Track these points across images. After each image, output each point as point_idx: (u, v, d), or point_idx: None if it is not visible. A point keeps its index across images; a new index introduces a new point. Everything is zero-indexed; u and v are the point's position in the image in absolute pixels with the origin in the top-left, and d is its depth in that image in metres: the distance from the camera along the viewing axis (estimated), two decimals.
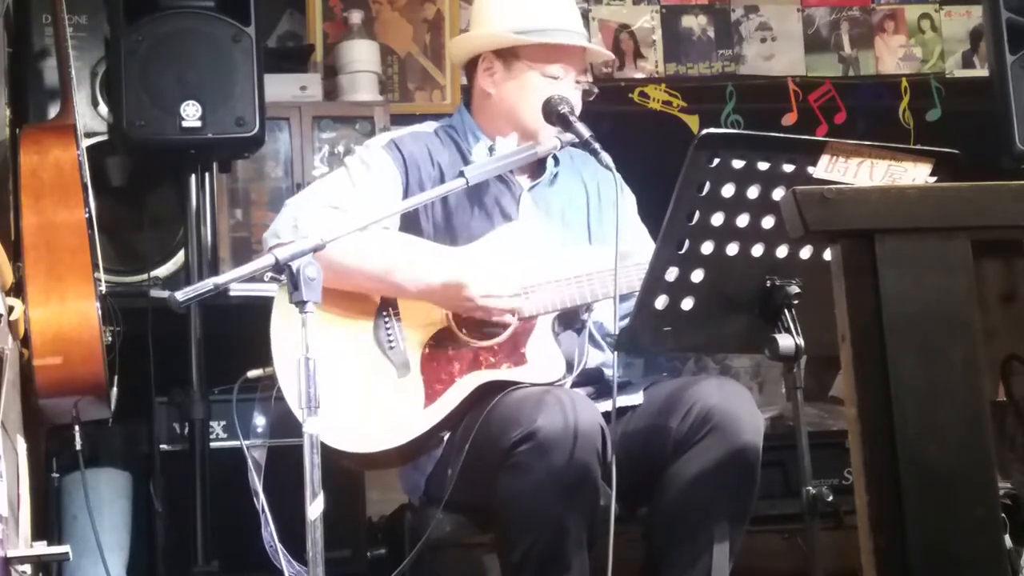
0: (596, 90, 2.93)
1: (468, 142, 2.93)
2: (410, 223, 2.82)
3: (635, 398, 2.75)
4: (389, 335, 2.74)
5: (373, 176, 2.82)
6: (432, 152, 2.89)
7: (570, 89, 2.87)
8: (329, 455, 2.53)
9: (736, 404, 2.62)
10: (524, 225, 2.85)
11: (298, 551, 2.38)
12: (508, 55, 2.90)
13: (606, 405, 2.57)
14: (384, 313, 2.76)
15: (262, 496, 2.59)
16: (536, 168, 2.95)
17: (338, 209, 2.73)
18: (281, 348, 2.66)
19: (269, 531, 2.57)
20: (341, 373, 2.67)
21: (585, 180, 2.99)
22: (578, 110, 2.86)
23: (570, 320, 2.81)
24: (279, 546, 2.54)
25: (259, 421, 2.78)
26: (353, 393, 2.68)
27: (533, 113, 2.85)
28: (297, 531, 2.24)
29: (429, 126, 3.00)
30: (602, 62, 3.30)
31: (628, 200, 3.03)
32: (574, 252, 2.83)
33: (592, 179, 2.98)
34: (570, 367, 2.74)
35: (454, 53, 3.14)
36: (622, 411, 2.70)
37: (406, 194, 2.83)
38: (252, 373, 2.75)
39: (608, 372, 2.81)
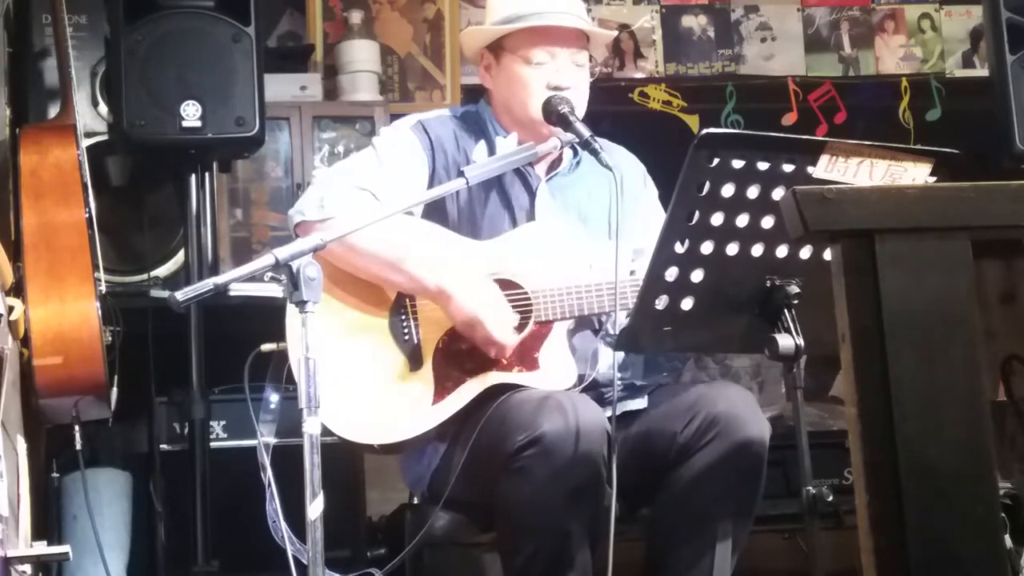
0: (598, 68, 2.89)
1: (491, 133, 2.88)
2: (436, 207, 2.78)
3: (639, 403, 2.74)
4: (404, 327, 2.73)
5: (400, 158, 2.79)
6: (458, 137, 2.86)
7: (566, 70, 2.81)
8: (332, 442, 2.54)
9: (741, 407, 2.62)
10: (544, 225, 2.82)
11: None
12: (497, 48, 2.87)
13: (611, 410, 2.56)
14: (402, 305, 2.75)
15: (269, 471, 2.59)
16: (557, 157, 2.89)
17: (365, 190, 2.70)
18: (295, 335, 2.63)
19: (273, 507, 2.56)
20: (353, 360, 2.67)
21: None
22: (582, 87, 2.82)
23: (587, 321, 2.80)
24: (282, 522, 2.52)
25: (271, 398, 2.77)
26: (362, 382, 2.68)
27: (521, 105, 2.83)
28: (300, 529, 2.25)
29: (454, 110, 2.96)
30: (603, 61, 3.27)
31: (651, 192, 2.99)
32: (595, 254, 2.76)
33: (618, 171, 2.80)
34: (582, 375, 2.72)
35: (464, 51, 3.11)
36: (627, 415, 2.70)
37: (432, 177, 2.80)
38: (266, 347, 2.74)
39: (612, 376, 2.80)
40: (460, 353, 2.71)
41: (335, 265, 2.68)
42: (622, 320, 2.65)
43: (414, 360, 2.71)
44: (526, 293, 2.72)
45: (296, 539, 2.49)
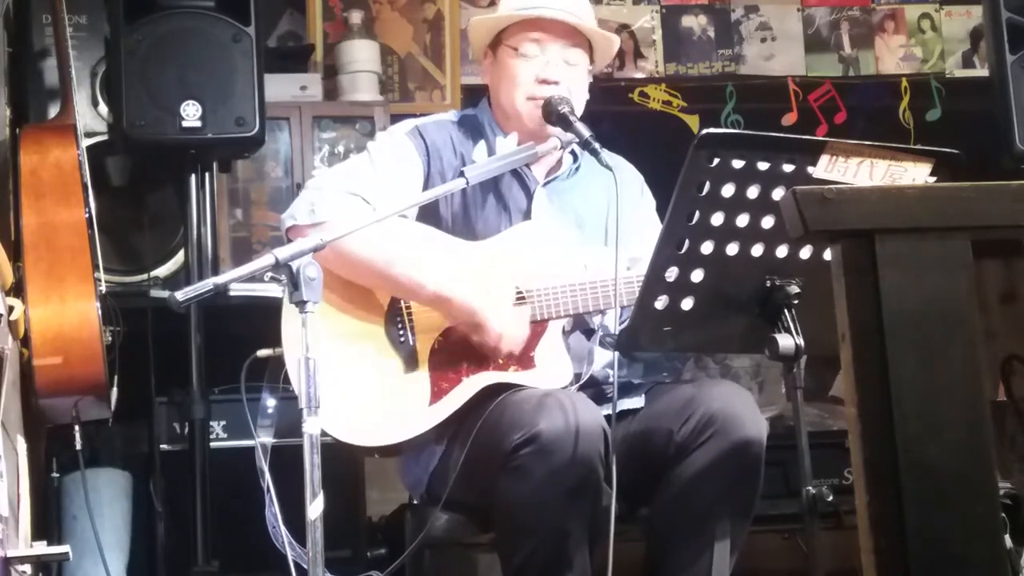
0: (591, 65, 2.89)
1: (492, 135, 2.89)
2: (430, 212, 2.78)
3: (636, 401, 2.74)
4: (400, 329, 2.73)
5: (395, 163, 2.79)
6: (455, 141, 2.87)
7: (556, 64, 2.81)
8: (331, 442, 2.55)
9: (738, 406, 2.61)
10: (539, 224, 2.81)
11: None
12: (495, 44, 2.89)
13: (608, 408, 2.56)
14: (397, 307, 2.74)
15: (267, 475, 2.58)
16: (557, 161, 2.90)
17: (357, 196, 2.70)
18: (291, 338, 2.64)
19: (273, 512, 2.56)
20: (349, 363, 2.67)
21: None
22: (576, 88, 2.82)
23: (582, 321, 2.80)
24: (282, 527, 2.52)
25: (268, 403, 2.78)
26: (359, 385, 2.68)
27: (508, 96, 2.83)
28: (300, 530, 2.25)
29: (452, 115, 2.97)
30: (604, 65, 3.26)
31: (647, 202, 2.99)
32: (590, 256, 2.78)
33: (617, 172, 2.78)
34: (578, 373, 2.72)
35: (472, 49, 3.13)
36: (623, 414, 2.70)
37: (427, 183, 2.80)
38: (262, 353, 2.74)
39: (608, 374, 2.80)
40: (456, 354, 2.71)
41: (329, 270, 2.67)
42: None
43: (410, 362, 2.71)
44: (521, 292, 2.72)
45: (297, 544, 2.49)
